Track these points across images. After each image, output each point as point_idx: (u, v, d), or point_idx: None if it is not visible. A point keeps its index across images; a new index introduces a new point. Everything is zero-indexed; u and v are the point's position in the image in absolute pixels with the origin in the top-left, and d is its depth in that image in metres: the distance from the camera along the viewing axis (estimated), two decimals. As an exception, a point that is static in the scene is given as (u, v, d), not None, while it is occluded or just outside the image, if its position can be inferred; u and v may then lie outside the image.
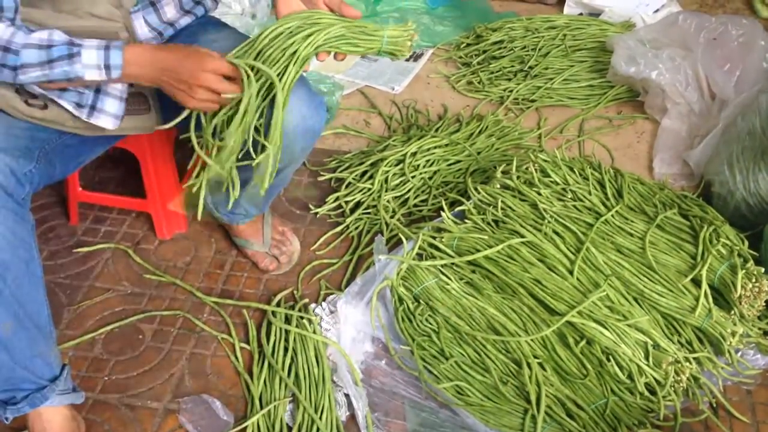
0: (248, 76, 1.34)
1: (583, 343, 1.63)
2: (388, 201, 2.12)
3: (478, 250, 1.78)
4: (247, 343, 1.79)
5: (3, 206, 1.30)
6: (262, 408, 1.63)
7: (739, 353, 1.70)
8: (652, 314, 1.67)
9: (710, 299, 1.66)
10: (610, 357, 1.60)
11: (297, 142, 1.55)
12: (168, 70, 1.33)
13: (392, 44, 1.47)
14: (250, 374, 1.71)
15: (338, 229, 2.10)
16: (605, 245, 1.77)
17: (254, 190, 1.46)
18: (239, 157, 1.41)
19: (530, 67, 2.72)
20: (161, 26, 1.54)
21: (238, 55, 1.38)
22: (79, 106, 1.43)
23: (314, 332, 1.75)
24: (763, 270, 1.68)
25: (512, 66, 2.76)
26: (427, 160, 2.23)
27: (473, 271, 1.80)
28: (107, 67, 1.31)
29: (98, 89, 1.44)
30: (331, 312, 1.82)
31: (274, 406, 1.62)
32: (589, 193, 1.91)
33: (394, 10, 3.15)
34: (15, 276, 1.32)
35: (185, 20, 1.61)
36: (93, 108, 1.44)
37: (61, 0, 1.34)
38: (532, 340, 1.65)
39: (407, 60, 2.88)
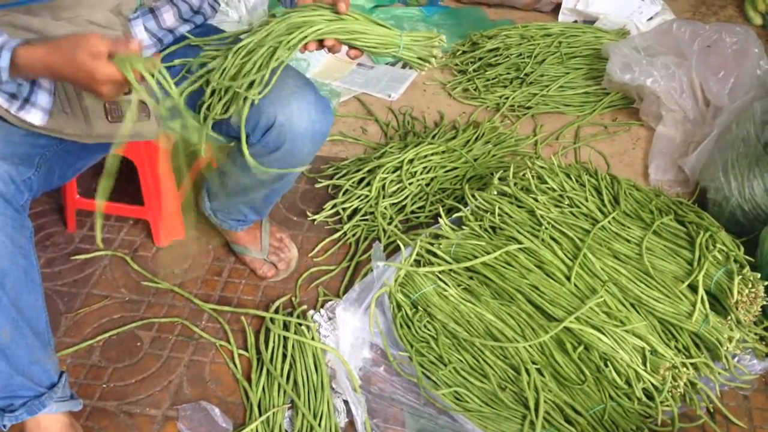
0: (141, 80, 1.22)
1: (581, 348, 1.63)
2: (385, 208, 2.13)
3: (476, 257, 1.79)
4: (246, 349, 1.79)
5: (2, 213, 1.29)
6: (261, 415, 1.62)
7: (736, 359, 1.70)
8: (650, 320, 1.68)
9: (707, 305, 1.66)
10: (608, 363, 1.61)
11: (305, 146, 1.55)
12: (63, 76, 1.24)
13: (408, 49, 1.42)
14: (249, 381, 1.71)
15: (336, 235, 2.10)
16: (602, 251, 1.78)
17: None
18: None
19: (526, 74, 2.73)
20: (160, 33, 1.54)
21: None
22: (13, 97, 1.35)
23: (312, 339, 1.75)
24: (759, 275, 1.69)
25: (508, 73, 2.77)
26: (424, 167, 2.23)
27: (471, 278, 1.80)
28: None
29: (33, 81, 1.36)
30: (330, 318, 1.82)
31: (273, 413, 1.62)
32: (586, 200, 1.92)
33: (389, 17, 3.16)
34: (14, 283, 1.31)
35: (184, 27, 1.61)
36: (26, 101, 1.37)
37: (59, 8, 1.33)
38: (530, 346, 1.65)
39: (403, 67, 2.89)
